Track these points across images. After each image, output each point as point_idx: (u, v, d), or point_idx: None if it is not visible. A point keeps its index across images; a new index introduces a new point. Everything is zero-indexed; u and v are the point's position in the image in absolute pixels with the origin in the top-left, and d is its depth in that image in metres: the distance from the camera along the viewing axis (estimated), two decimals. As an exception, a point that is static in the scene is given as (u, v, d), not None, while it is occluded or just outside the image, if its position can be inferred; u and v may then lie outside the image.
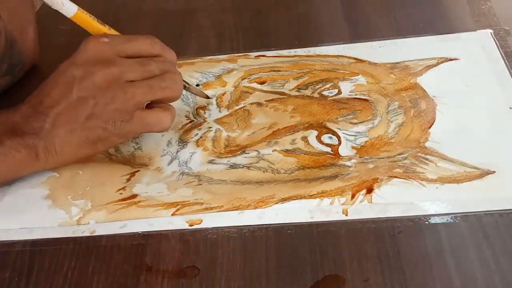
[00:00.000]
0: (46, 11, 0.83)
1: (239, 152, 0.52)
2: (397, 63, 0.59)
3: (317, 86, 0.58)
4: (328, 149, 0.51)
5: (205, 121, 0.56)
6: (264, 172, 0.50)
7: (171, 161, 0.53)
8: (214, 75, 0.62)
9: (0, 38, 0.61)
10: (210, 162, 0.52)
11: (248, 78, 0.61)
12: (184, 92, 0.61)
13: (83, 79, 0.46)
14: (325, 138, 0.52)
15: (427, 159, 0.48)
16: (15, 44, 0.64)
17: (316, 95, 0.57)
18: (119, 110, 0.47)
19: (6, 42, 0.62)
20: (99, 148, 0.49)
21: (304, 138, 0.52)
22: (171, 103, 0.50)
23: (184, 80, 0.53)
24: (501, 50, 0.58)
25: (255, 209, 0.46)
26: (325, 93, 0.57)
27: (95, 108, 0.46)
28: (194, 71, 0.64)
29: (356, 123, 0.53)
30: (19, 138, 0.47)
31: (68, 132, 0.47)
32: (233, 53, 0.66)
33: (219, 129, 0.55)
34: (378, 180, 0.47)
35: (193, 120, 0.57)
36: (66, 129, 0.47)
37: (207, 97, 0.58)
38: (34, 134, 0.47)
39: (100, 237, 0.47)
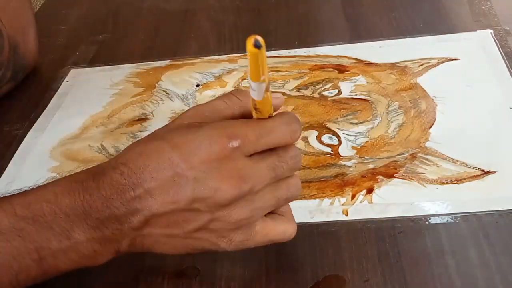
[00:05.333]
0: (46, 11, 0.83)
1: (239, 152, 0.52)
2: (397, 63, 0.59)
3: (317, 87, 0.58)
4: (328, 149, 0.51)
5: (205, 121, 0.56)
6: (264, 172, 0.50)
7: (171, 161, 0.52)
8: (214, 76, 0.63)
9: (4, 44, 0.61)
10: (210, 162, 0.52)
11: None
12: (183, 92, 0.61)
13: (205, 194, 0.35)
14: (325, 138, 0.52)
15: (427, 159, 0.48)
16: (17, 48, 0.64)
17: (316, 95, 0.57)
18: (240, 229, 0.37)
19: (10, 48, 0.62)
20: (194, 252, 0.38)
21: (304, 138, 0.52)
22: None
23: None
24: (501, 50, 0.57)
25: (255, 209, 0.46)
26: (325, 93, 0.57)
27: (211, 224, 0.36)
28: (194, 72, 0.64)
29: (356, 123, 0.53)
30: (97, 231, 0.35)
31: (166, 236, 0.37)
32: (233, 53, 0.66)
33: (219, 129, 0.55)
34: (378, 180, 0.47)
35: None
36: (165, 232, 0.36)
37: None
38: (118, 228, 0.35)
39: (100, 237, 0.46)
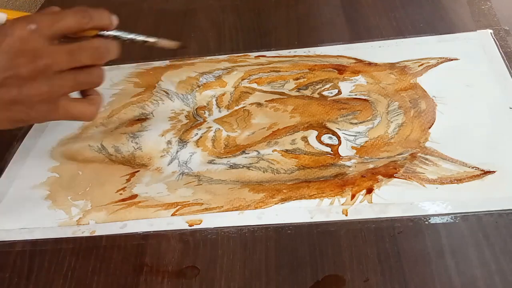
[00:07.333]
0: (46, 11, 0.83)
1: (239, 152, 0.52)
2: (397, 63, 0.59)
3: (317, 87, 0.58)
4: (328, 149, 0.51)
5: (205, 121, 0.56)
6: (264, 172, 0.50)
7: (171, 161, 0.53)
8: (214, 76, 0.63)
9: None
10: (210, 162, 0.52)
11: (248, 79, 0.61)
12: (184, 92, 0.61)
13: (8, 70, 0.43)
14: (325, 138, 0.52)
15: (427, 159, 0.48)
16: None
17: (316, 95, 0.57)
18: (44, 100, 0.45)
19: None
20: (20, 125, 0.47)
21: (304, 138, 0.52)
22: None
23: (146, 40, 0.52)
24: (501, 50, 0.58)
25: (255, 209, 0.46)
26: (325, 93, 0.57)
27: (19, 96, 0.44)
28: (194, 71, 0.64)
29: (356, 123, 0.53)
30: None
31: None
32: (233, 53, 0.66)
33: (219, 128, 0.55)
34: (378, 180, 0.47)
35: (193, 120, 0.57)
36: None
37: (183, 46, 0.55)
38: None
39: (100, 237, 0.47)
